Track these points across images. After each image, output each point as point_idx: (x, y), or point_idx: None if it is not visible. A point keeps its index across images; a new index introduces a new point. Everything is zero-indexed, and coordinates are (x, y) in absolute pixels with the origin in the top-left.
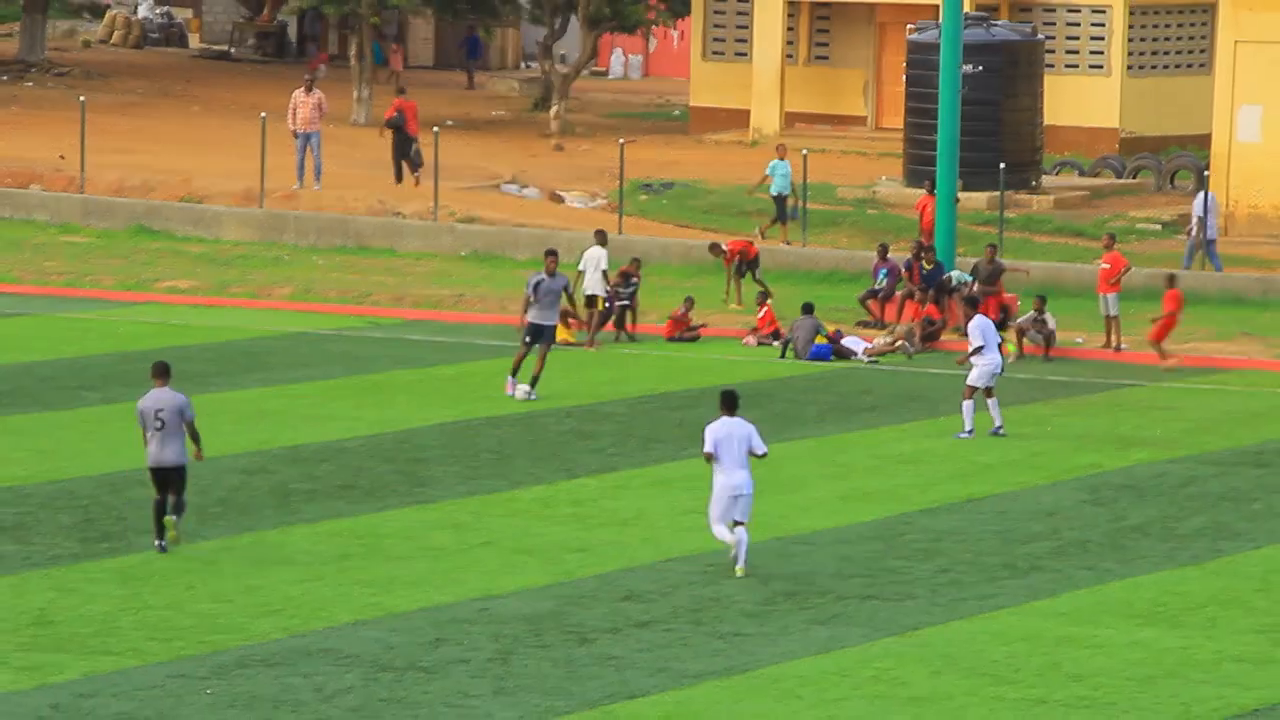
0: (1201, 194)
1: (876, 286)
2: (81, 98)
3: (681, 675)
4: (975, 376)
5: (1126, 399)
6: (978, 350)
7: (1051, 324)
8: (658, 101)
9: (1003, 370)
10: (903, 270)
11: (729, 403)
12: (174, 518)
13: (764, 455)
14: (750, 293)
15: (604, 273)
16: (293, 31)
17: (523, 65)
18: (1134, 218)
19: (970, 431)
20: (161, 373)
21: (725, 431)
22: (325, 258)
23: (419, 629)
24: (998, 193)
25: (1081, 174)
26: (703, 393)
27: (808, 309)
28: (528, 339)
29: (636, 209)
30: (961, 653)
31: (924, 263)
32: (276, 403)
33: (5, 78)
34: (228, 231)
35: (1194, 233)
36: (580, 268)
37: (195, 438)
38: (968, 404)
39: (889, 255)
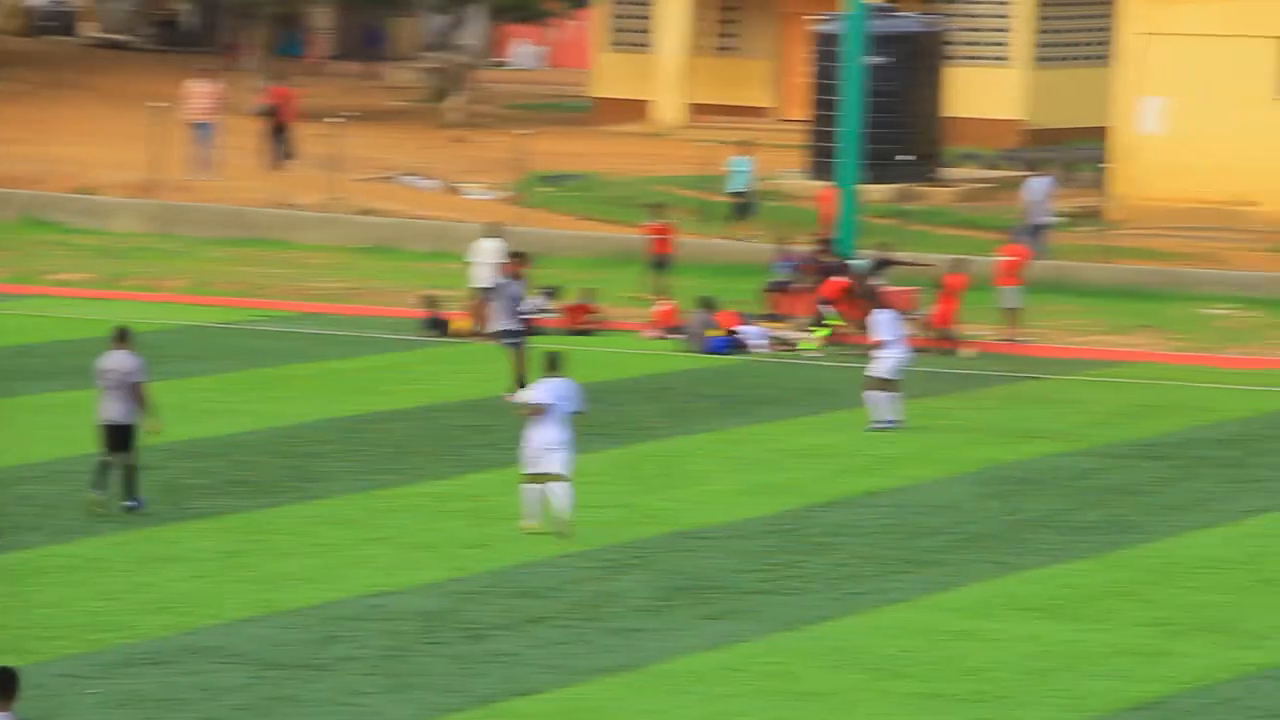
0: (1034, 180)
1: (779, 279)
2: None
3: (575, 671)
4: (879, 369)
5: (1025, 392)
6: (881, 344)
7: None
8: (560, 92)
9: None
10: (805, 263)
11: (553, 363)
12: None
13: (581, 414)
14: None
15: (498, 265)
16: (191, 21)
17: (423, 55)
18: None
19: (891, 421)
20: (120, 337)
21: (551, 390)
22: (221, 250)
23: (310, 626)
24: (900, 185)
25: (984, 166)
26: (602, 386)
27: (705, 302)
28: (508, 344)
29: (538, 201)
30: (856, 647)
31: (825, 256)
32: (170, 397)
33: None
34: (121, 223)
35: (1025, 219)
36: (472, 259)
37: (148, 407)
38: (871, 397)
39: (791, 247)
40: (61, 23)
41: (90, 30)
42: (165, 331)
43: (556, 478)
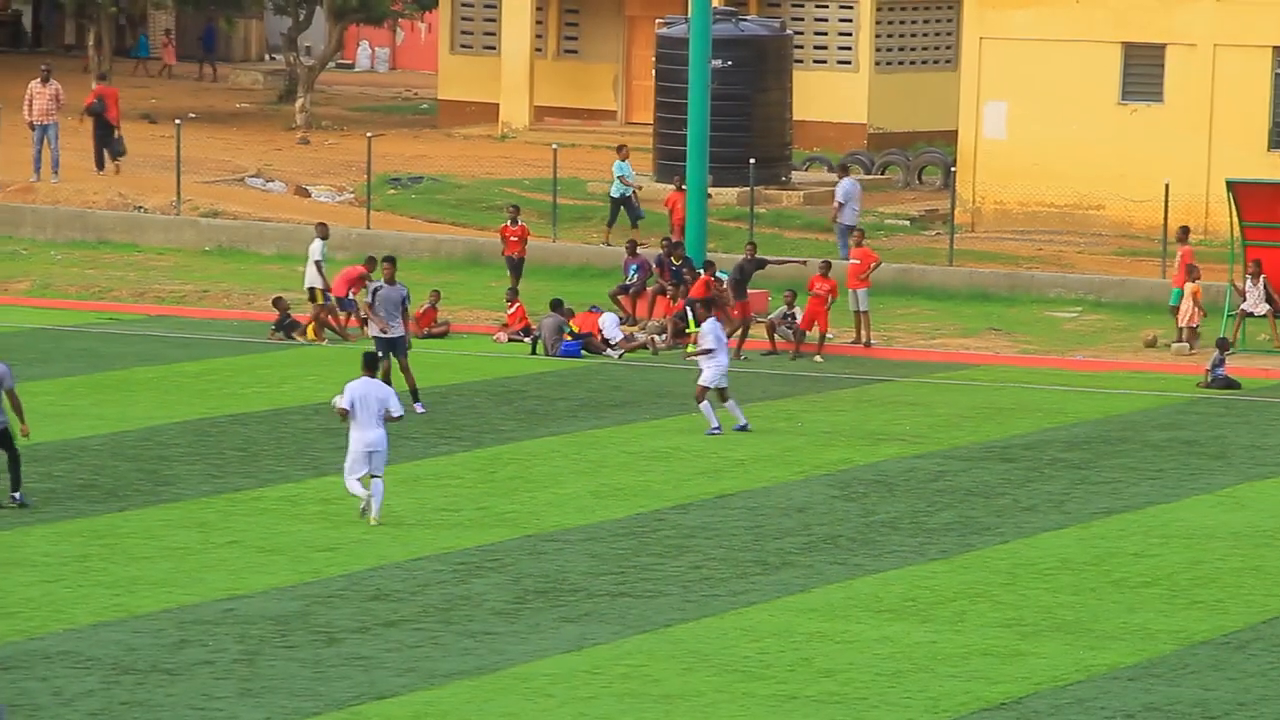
0: (843, 181)
1: (627, 282)
2: None
3: (431, 675)
4: (707, 378)
5: (876, 394)
6: (707, 352)
7: (792, 318)
8: (405, 95)
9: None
10: (654, 266)
11: (369, 363)
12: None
13: (399, 417)
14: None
15: (318, 264)
16: (28, 21)
17: (267, 57)
18: (883, 213)
19: (718, 427)
20: None
21: (363, 391)
22: (64, 252)
23: (162, 630)
24: (748, 188)
25: (831, 169)
26: (452, 389)
27: (556, 305)
28: (381, 354)
29: (385, 203)
30: (712, 649)
31: (674, 259)
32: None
33: None
34: None
35: (834, 218)
36: (311, 259)
37: (17, 409)
38: (704, 405)
39: (639, 251)
40: None
41: None
42: (8, 334)
43: (375, 477)
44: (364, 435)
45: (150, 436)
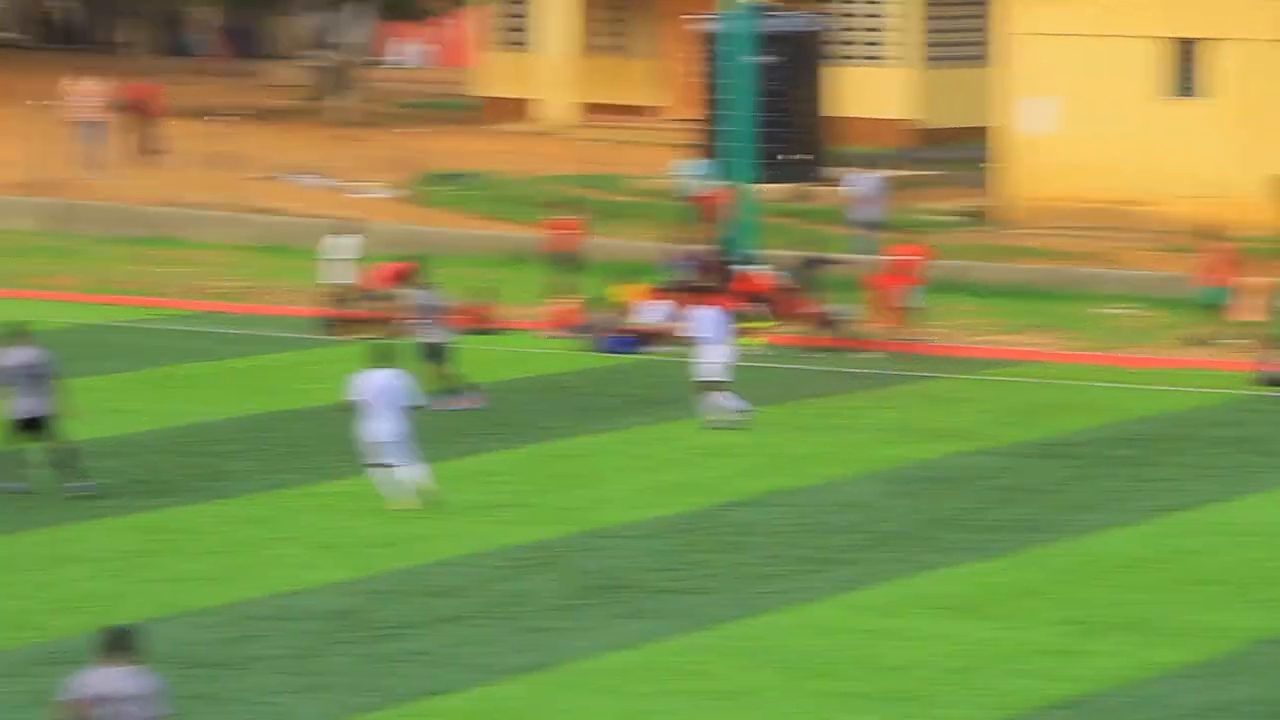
0: (860, 177)
1: (673, 278)
2: None
3: (490, 670)
4: (704, 371)
5: (929, 391)
6: (700, 343)
7: (850, 315)
8: (443, 91)
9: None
10: (698, 262)
11: (383, 355)
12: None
13: (421, 407)
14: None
15: (346, 261)
16: (75, 19)
17: (306, 54)
18: (928, 209)
19: (741, 410)
20: (19, 333)
21: (381, 382)
22: (115, 249)
23: (221, 625)
24: (790, 184)
25: (876, 165)
26: (503, 385)
27: (604, 301)
28: (426, 358)
29: (432, 200)
30: (772, 646)
31: (718, 255)
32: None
33: None
34: (13, 221)
35: (852, 215)
36: (329, 256)
37: (61, 395)
38: (717, 396)
39: (685, 247)
40: None
41: None
42: (62, 331)
43: (404, 465)
44: (384, 426)
45: (203, 433)
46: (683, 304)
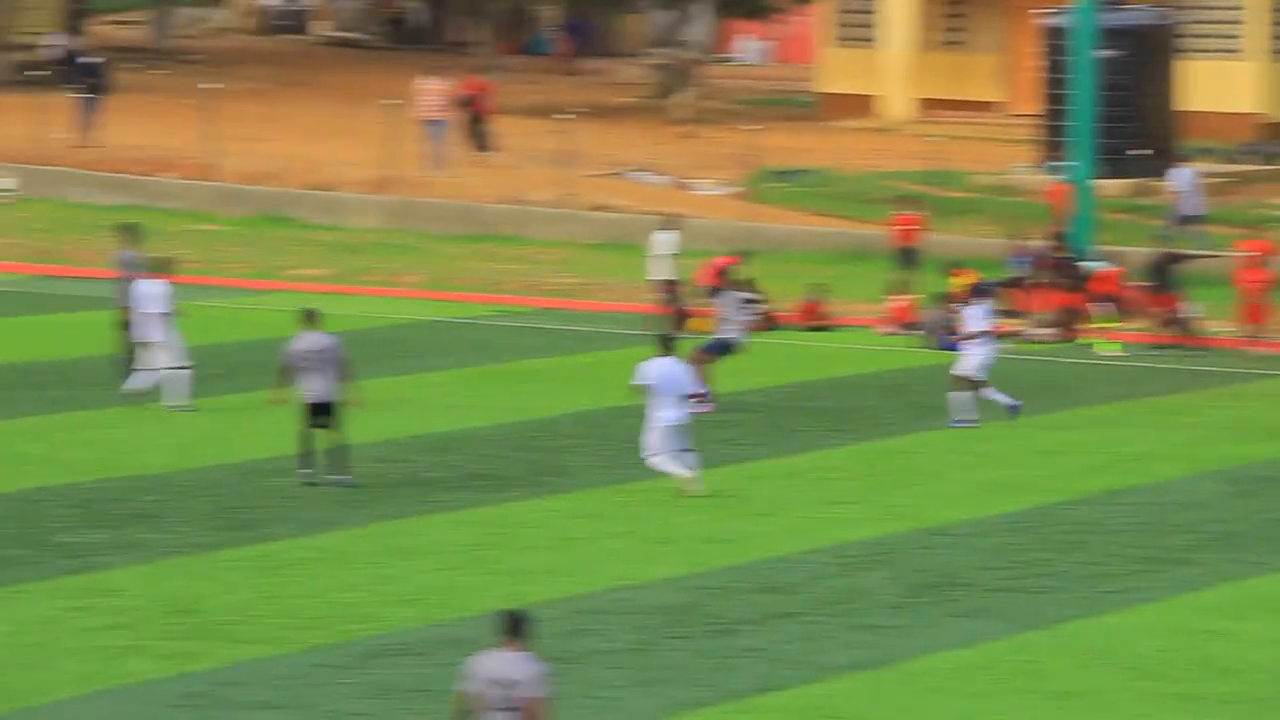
0: (1180, 171)
1: (1014, 275)
2: (211, 85)
3: (822, 668)
4: (968, 367)
5: (1271, 389)
6: (977, 336)
7: (1192, 313)
8: (785, 88)
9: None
10: (1039, 258)
11: (665, 343)
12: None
13: (698, 396)
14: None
15: (666, 258)
16: (420, 18)
17: (649, 52)
18: (1276, 204)
19: (971, 420)
20: (309, 318)
21: (664, 370)
22: (455, 245)
23: (556, 619)
24: (1133, 180)
25: (1221, 161)
26: (838, 382)
27: (943, 298)
28: (724, 352)
29: (767, 196)
30: (1108, 646)
31: (1059, 251)
32: (409, 391)
33: (136, 66)
34: (357, 219)
35: (1173, 210)
36: (655, 253)
37: (349, 381)
38: (960, 395)
39: (1026, 243)
40: (294, 22)
41: (323, 29)
42: (402, 326)
43: (686, 451)
44: (668, 413)
45: (542, 427)
46: (1021, 300)
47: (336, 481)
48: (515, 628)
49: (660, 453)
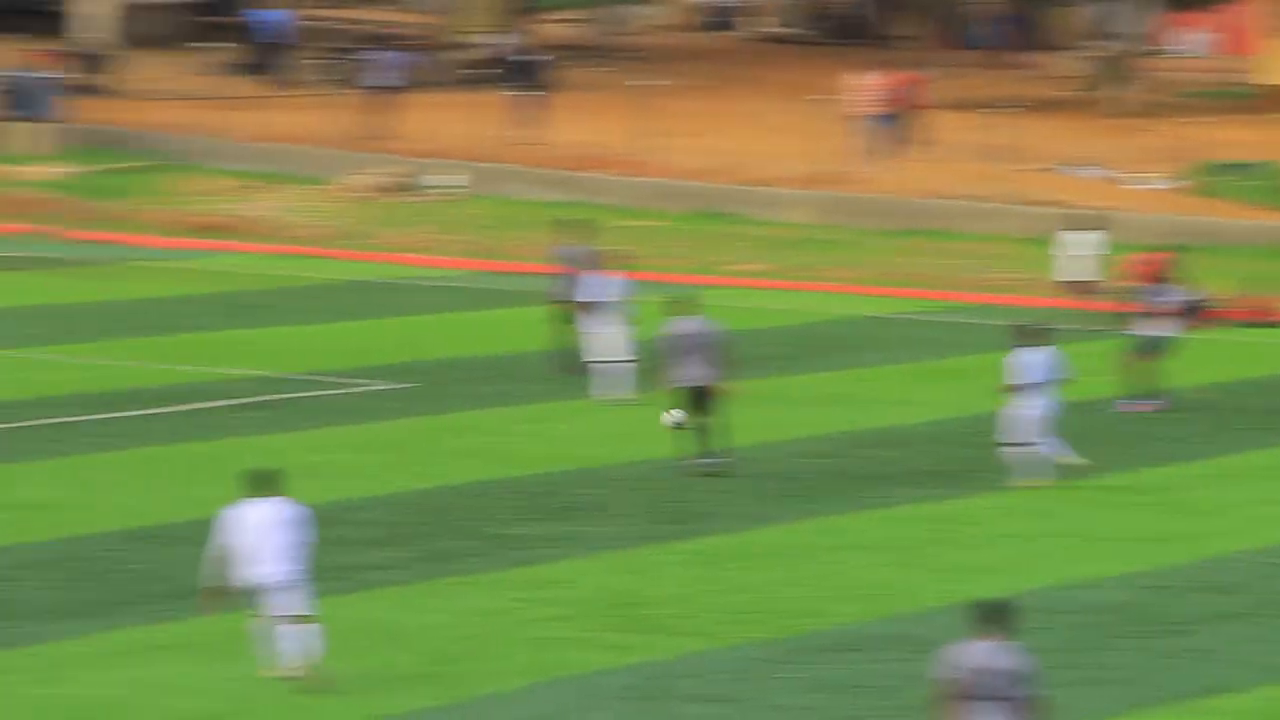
0: None
1: None
2: (649, 82)
3: (1275, 671)
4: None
5: None
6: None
7: None
8: (1228, 79)
9: None
10: None
11: (1028, 335)
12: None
13: (1068, 381)
14: None
15: (1091, 258)
16: (856, 13)
17: (1084, 44)
18: None
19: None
20: (686, 303)
21: (1034, 361)
22: (884, 240)
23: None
24: None
25: None
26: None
27: None
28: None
29: (1211, 190)
30: None
31: None
32: (848, 387)
33: (579, 63)
34: (792, 214)
35: None
36: (1070, 253)
37: (728, 366)
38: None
39: None
40: (725, 19)
41: (759, 25)
42: (840, 322)
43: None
44: (1036, 402)
45: (979, 424)
46: None
47: (708, 465)
48: (997, 618)
49: (1037, 444)
